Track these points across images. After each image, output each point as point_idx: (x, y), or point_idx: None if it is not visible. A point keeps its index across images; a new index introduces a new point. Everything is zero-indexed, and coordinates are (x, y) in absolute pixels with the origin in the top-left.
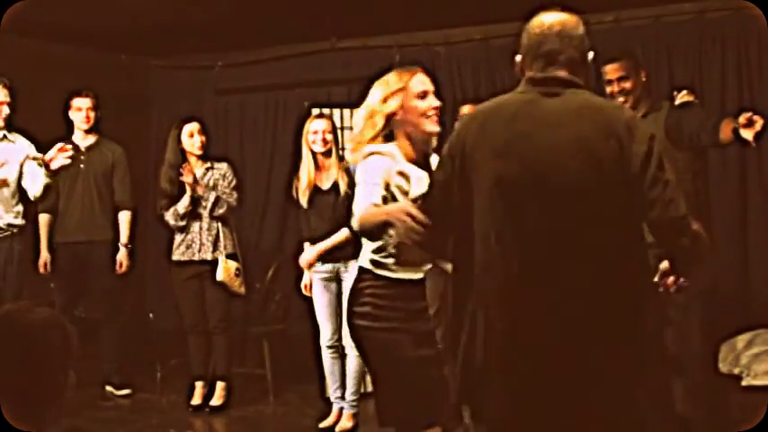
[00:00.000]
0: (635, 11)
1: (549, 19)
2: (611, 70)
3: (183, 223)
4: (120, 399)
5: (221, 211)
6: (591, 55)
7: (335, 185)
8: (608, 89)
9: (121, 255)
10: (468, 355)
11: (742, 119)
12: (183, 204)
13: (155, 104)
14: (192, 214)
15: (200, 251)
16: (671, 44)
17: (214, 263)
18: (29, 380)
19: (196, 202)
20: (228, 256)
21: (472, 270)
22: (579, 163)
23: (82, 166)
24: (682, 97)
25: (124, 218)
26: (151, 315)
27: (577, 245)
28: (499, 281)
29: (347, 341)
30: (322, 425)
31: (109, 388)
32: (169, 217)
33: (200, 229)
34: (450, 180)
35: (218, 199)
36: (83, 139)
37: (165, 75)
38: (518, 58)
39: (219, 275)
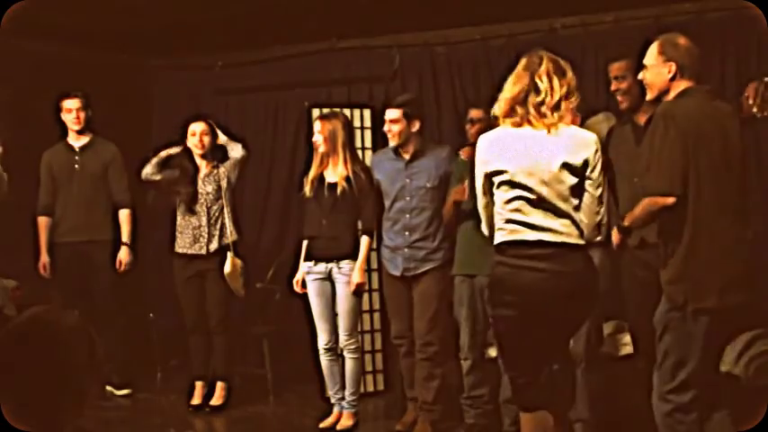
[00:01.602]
0: (635, 11)
1: (687, 41)
2: (613, 69)
3: (157, 176)
4: (120, 399)
5: (236, 154)
6: None
7: (345, 179)
8: (611, 86)
9: (122, 253)
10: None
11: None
12: (173, 149)
13: (155, 104)
14: (194, 209)
15: (209, 243)
16: None
17: (217, 256)
18: (53, 383)
19: (197, 197)
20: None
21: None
22: (738, 141)
23: (77, 166)
24: None
25: (123, 216)
26: (151, 315)
27: (735, 192)
28: (704, 214)
29: (343, 344)
30: (322, 425)
31: (109, 388)
32: (148, 167)
33: (208, 222)
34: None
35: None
36: (76, 140)
37: (165, 75)
38: (673, 66)
39: (227, 269)
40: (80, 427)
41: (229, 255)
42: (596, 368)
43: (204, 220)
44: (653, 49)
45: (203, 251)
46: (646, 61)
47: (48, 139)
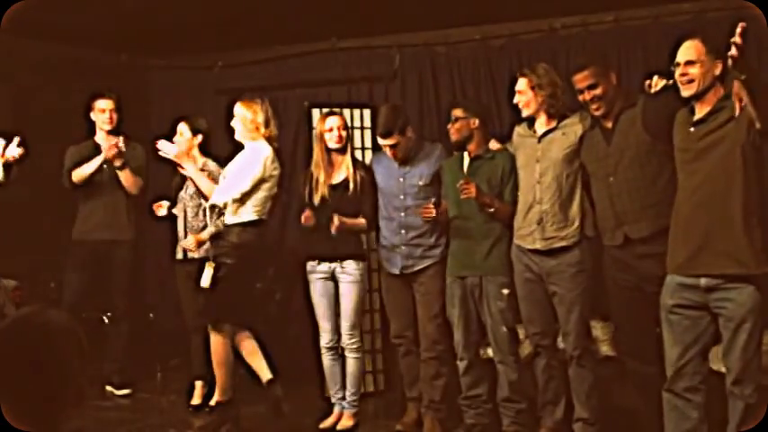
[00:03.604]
0: (635, 11)
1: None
2: (579, 79)
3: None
4: (120, 399)
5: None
6: None
7: (345, 181)
8: (579, 97)
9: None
10: None
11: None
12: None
13: (155, 104)
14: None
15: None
16: (671, 44)
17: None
18: (46, 384)
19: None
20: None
21: None
22: None
23: (105, 166)
24: (656, 84)
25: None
26: (151, 315)
27: None
28: None
29: (345, 343)
30: (322, 425)
31: (109, 388)
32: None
33: (185, 226)
34: None
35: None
36: (106, 140)
37: (165, 75)
38: (720, 64)
39: (205, 282)
40: (79, 428)
41: (207, 265)
42: (588, 368)
43: (182, 224)
44: (698, 47)
45: (179, 255)
46: (691, 57)
47: (48, 138)
